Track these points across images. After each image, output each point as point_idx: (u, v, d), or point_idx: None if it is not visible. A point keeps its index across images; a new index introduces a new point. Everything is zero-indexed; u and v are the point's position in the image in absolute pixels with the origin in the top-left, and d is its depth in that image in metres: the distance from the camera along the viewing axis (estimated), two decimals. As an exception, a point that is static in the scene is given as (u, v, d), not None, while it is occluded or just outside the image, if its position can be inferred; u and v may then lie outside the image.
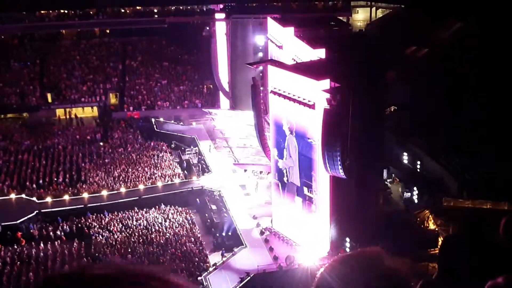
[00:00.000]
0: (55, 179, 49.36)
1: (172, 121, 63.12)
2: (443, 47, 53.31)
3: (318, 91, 33.20)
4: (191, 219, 43.72)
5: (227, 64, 60.59)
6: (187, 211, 45.15)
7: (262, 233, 40.65)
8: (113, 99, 69.28)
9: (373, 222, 36.03)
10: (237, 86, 58.12)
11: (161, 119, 63.37)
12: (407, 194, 42.39)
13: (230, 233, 41.23)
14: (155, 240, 40.27)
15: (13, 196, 45.96)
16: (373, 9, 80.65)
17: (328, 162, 32.88)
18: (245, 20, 57.70)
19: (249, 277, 34.77)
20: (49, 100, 66.78)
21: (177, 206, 45.50)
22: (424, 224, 39.33)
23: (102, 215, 43.93)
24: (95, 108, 67.68)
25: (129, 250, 39.21)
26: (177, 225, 42.49)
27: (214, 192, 47.19)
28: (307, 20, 64.22)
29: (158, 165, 51.65)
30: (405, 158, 46.04)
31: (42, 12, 71.14)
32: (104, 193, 46.46)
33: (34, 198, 45.47)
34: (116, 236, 40.95)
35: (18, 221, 42.26)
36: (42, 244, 39.93)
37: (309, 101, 34.11)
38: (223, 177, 49.83)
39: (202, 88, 71.60)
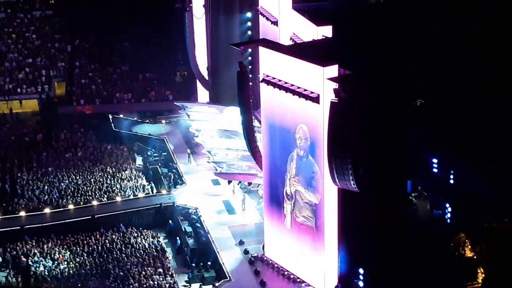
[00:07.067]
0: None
1: (135, 118, 63.19)
2: (492, 24, 53.10)
3: (323, 79, 33.43)
4: (159, 245, 43.79)
5: (206, 45, 60.70)
6: (154, 234, 45.24)
7: (251, 262, 40.82)
8: (58, 90, 69.13)
9: (393, 248, 36.22)
10: (219, 73, 58.16)
11: (121, 116, 63.36)
12: (437, 213, 42.70)
13: (209, 263, 41.37)
14: (112, 272, 40.25)
15: None
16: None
17: (337, 170, 33.01)
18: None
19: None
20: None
21: (141, 228, 45.59)
22: (459, 251, 39.56)
23: (43, 239, 43.86)
24: (35, 102, 67.52)
25: (79, 285, 39.12)
26: (141, 252, 42.53)
27: (190, 210, 47.28)
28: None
29: (117, 175, 51.74)
30: (435, 166, 46.29)
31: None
32: (47, 211, 46.35)
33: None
34: (62, 267, 40.87)
35: None
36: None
37: (311, 92, 34.32)
38: (200, 191, 49.91)
39: (173, 76, 71.65)
